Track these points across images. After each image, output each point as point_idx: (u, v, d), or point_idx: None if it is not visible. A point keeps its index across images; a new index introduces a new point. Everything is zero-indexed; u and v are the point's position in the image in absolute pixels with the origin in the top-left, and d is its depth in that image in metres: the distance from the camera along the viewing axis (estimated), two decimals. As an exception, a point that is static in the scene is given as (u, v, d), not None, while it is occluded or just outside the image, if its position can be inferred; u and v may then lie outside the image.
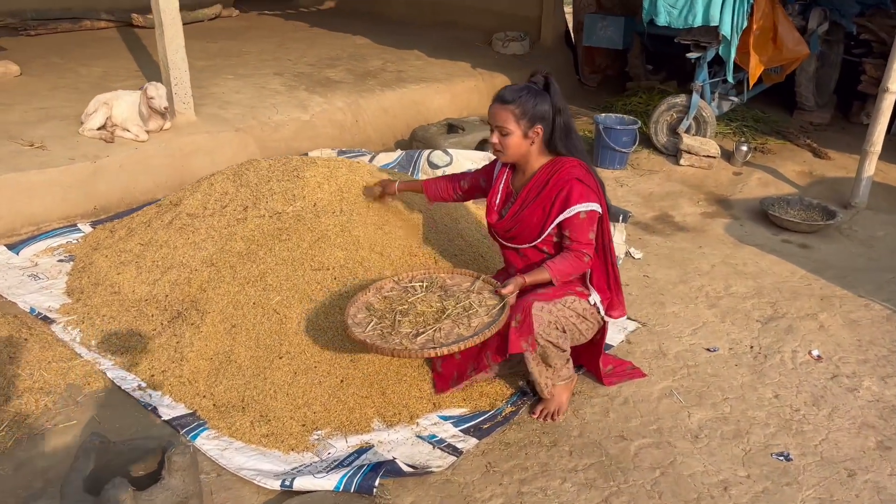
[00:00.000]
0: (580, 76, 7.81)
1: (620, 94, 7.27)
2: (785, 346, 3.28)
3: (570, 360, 2.79)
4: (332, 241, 3.26)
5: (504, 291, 2.61)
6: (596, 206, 2.64)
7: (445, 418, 2.81)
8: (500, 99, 2.64)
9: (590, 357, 2.99)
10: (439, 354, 2.42)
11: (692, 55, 5.31)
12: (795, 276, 3.95)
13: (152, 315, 3.22)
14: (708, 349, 3.26)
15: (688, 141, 5.42)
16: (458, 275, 2.89)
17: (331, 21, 8.85)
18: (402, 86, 6.28)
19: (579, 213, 2.61)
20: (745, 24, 5.04)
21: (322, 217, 3.37)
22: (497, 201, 2.85)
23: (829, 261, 4.15)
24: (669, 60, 7.46)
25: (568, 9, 8.18)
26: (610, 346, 3.24)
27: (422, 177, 4.66)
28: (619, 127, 5.36)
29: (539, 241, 2.71)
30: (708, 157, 5.39)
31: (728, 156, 5.62)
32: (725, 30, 4.98)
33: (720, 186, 5.28)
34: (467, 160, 4.76)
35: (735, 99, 5.91)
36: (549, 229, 2.67)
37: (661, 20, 5.11)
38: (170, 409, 2.81)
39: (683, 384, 3.02)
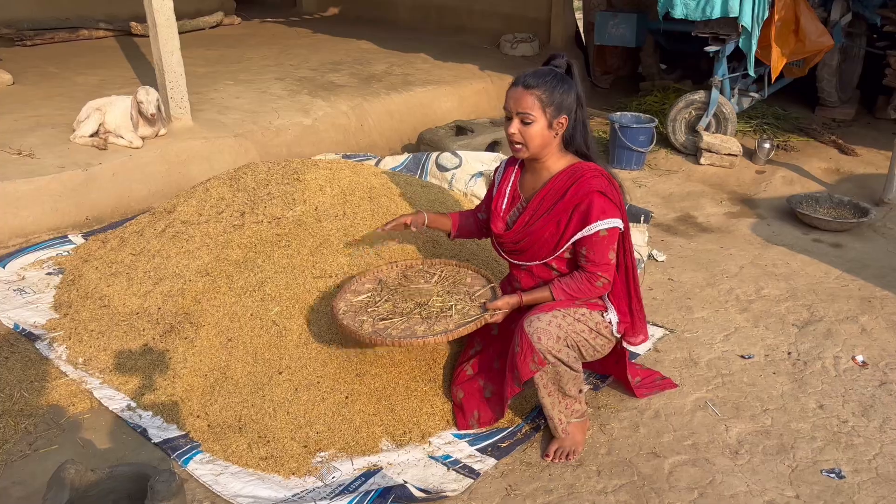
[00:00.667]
0: (591, 78, 7.59)
1: (634, 95, 7.04)
2: (826, 352, 3.02)
3: (583, 393, 2.54)
4: (334, 247, 3.04)
5: (490, 305, 2.43)
6: (618, 223, 2.37)
7: (460, 436, 2.58)
8: (523, 82, 2.33)
9: (617, 368, 2.74)
10: (384, 345, 2.38)
11: (711, 49, 5.07)
12: (830, 276, 3.70)
13: (143, 329, 3.00)
14: (742, 356, 3.01)
15: (708, 139, 5.18)
16: (473, 274, 2.71)
17: (334, 27, 8.67)
18: (409, 89, 6.07)
19: (599, 231, 2.34)
20: (766, 14, 4.80)
21: (324, 221, 3.15)
22: (503, 206, 2.56)
23: (865, 260, 3.89)
24: (684, 59, 7.24)
25: (578, 13, 7.97)
26: (636, 356, 3.00)
27: (430, 180, 4.43)
28: (635, 125, 5.12)
29: (551, 258, 2.46)
30: (729, 155, 5.15)
31: (750, 154, 5.37)
32: (746, 20, 4.75)
33: (743, 185, 5.04)
34: (477, 161, 4.53)
35: (755, 95, 5.67)
36: (565, 247, 2.41)
37: (678, 13, 4.89)
38: (161, 430, 2.58)
39: (718, 395, 2.77)
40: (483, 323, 2.41)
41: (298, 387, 2.65)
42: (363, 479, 2.37)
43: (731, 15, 4.75)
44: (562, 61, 2.41)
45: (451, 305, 2.50)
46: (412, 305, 2.55)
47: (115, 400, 2.72)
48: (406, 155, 4.78)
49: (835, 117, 6.31)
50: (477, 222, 2.76)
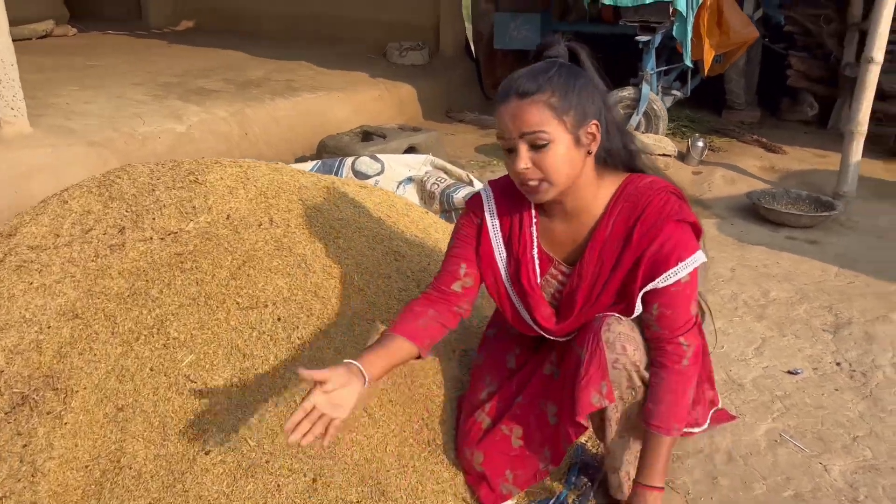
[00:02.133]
0: (483, 91, 7.07)
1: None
2: (879, 359, 2.52)
3: None
4: (265, 265, 2.19)
5: None
6: (702, 258, 1.64)
7: (489, 521, 1.79)
8: (517, 90, 1.53)
9: None
10: None
11: (641, 38, 4.64)
12: (829, 274, 3.25)
13: (-22, 404, 2.00)
14: (790, 372, 2.45)
15: (641, 139, 4.71)
16: None
17: (192, 38, 7.65)
18: (296, 94, 5.24)
19: (681, 279, 1.60)
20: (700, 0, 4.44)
21: (244, 232, 2.29)
22: (536, 278, 1.76)
23: (850, 255, 3.50)
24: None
25: (467, 21, 7.46)
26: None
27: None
28: (566, 124, 4.56)
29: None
30: (664, 155, 4.72)
31: (681, 155, 4.98)
32: (681, 5, 4.35)
33: (685, 187, 4.60)
34: (402, 166, 3.79)
35: (678, 93, 5.32)
36: (635, 311, 1.67)
37: (608, -2, 4.42)
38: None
39: (788, 423, 2.17)
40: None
41: (238, 472, 1.77)
42: None
43: (666, -1, 4.34)
44: (560, 48, 1.63)
45: None
46: None
47: (-64, 521, 1.72)
48: (313, 162, 3.95)
49: (742, 120, 6.11)
50: (451, 319, 1.81)
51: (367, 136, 4.60)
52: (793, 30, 5.97)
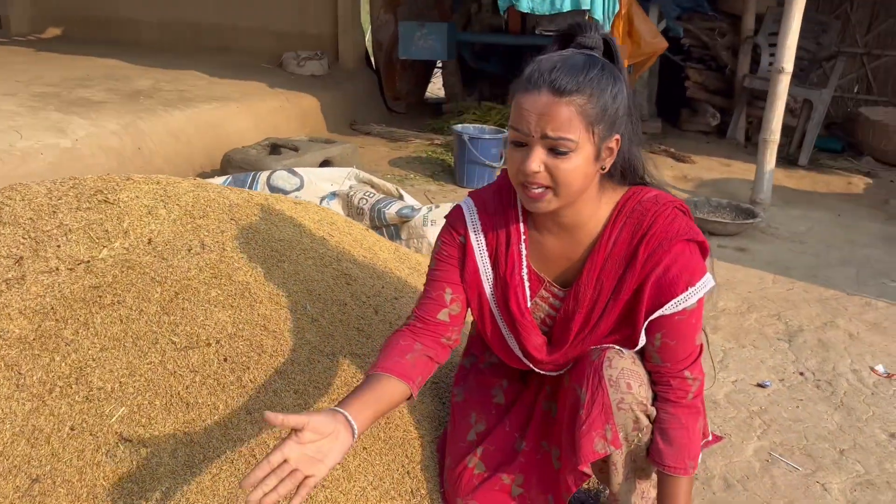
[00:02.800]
0: (385, 102, 6.86)
1: (436, 118, 6.42)
2: (839, 367, 2.50)
3: None
4: (202, 296, 1.88)
5: None
6: (710, 282, 1.45)
7: (489, 579, 1.57)
8: (551, 83, 1.31)
9: None
10: None
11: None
12: (767, 281, 3.26)
13: None
14: (759, 385, 2.37)
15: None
16: None
17: (62, 46, 7.01)
18: (191, 105, 4.83)
19: (686, 307, 1.43)
20: (617, 7, 4.42)
21: (171, 259, 1.97)
22: (526, 301, 1.57)
23: (781, 262, 3.54)
24: (483, 79, 6.80)
25: (367, 32, 7.24)
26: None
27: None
28: (487, 137, 4.43)
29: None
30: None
31: (596, 165, 4.95)
32: (598, 14, 4.32)
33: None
34: (324, 181, 3.51)
35: (589, 103, 5.30)
36: (639, 344, 1.49)
37: (524, 6, 4.33)
38: None
39: (774, 440, 2.09)
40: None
41: (194, 547, 1.47)
42: None
43: (583, 7, 4.29)
44: (595, 36, 1.41)
45: None
46: None
47: None
48: (220, 178, 3.60)
49: (645, 131, 6.21)
50: (440, 352, 1.59)
51: (275, 148, 4.29)
52: (690, 42, 6.13)
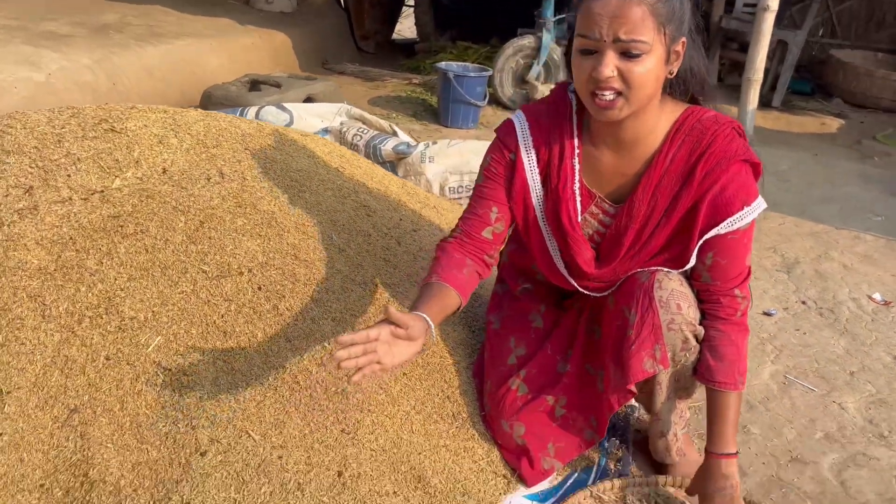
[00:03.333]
0: (355, 41, 6.70)
1: (409, 58, 6.31)
2: (839, 295, 2.59)
3: None
4: (228, 225, 1.84)
5: None
6: (763, 204, 1.49)
7: (535, 498, 1.61)
8: None
9: None
10: None
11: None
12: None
13: None
14: (766, 313, 2.44)
15: (543, 89, 4.62)
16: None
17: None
18: (164, 41, 4.64)
19: (741, 227, 1.45)
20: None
21: (191, 188, 1.92)
22: (577, 215, 1.56)
23: (769, 199, 3.51)
24: (458, 19, 6.69)
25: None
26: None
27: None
28: (472, 75, 4.37)
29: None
30: (565, 105, 4.64)
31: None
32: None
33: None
34: (314, 116, 3.43)
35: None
36: (689, 264, 1.51)
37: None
38: None
39: (788, 364, 2.17)
40: None
41: (246, 472, 1.46)
42: None
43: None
44: None
45: None
46: None
47: None
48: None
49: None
50: (485, 269, 1.61)
51: (255, 85, 4.16)
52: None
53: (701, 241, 1.47)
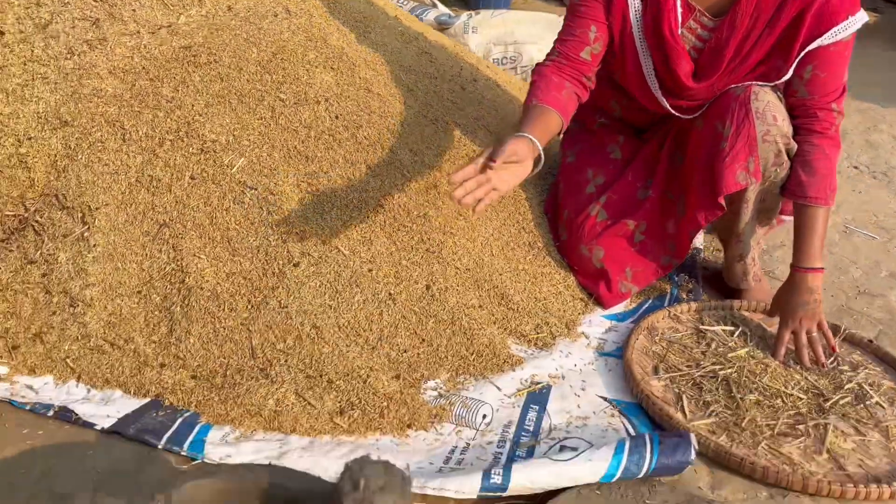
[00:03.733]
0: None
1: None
2: (891, 161, 2.61)
3: None
4: (300, 57, 1.82)
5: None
6: (865, 16, 1.46)
7: (613, 318, 1.65)
8: None
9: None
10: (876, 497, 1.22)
11: None
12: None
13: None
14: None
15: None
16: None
17: None
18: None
19: (843, 39, 1.43)
20: None
21: (259, 22, 1.89)
22: (677, 26, 1.52)
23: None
24: None
25: None
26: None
27: None
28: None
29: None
30: None
31: None
32: None
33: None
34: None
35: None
36: (786, 76, 1.49)
37: None
38: (96, 405, 1.29)
39: (846, 217, 2.18)
40: None
41: (339, 283, 1.50)
42: (531, 408, 1.36)
43: None
44: None
45: (860, 384, 1.45)
46: (801, 396, 1.41)
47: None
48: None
49: None
50: (583, 91, 1.58)
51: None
52: None
53: (802, 54, 1.45)
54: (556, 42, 1.60)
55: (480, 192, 1.25)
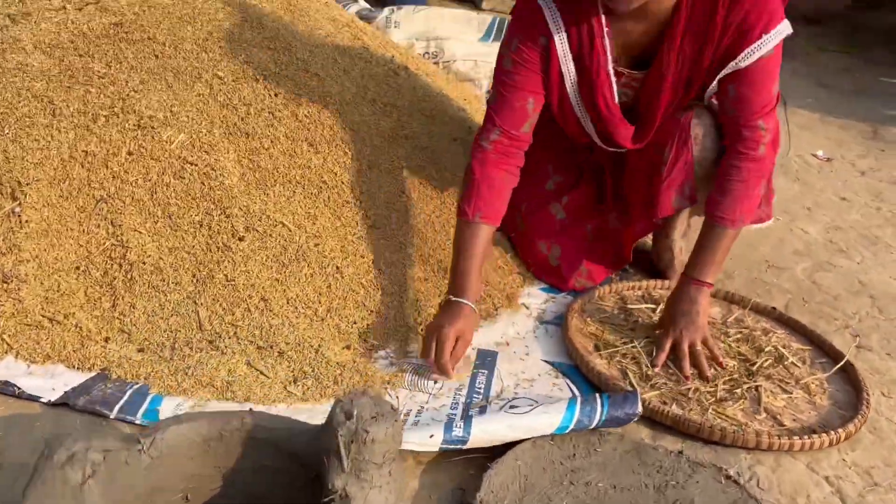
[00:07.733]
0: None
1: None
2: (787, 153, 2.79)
3: None
4: (237, 37, 1.82)
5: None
6: (788, 29, 1.40)
7: (549, 290, 1.72)
8: None
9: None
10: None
11: None
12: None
13: None
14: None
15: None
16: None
17: None
18: None
19: (763, 55, 1.39)
20: None
21: (191, 1, 1.87)
22: (613, 97, 1.53)
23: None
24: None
25: None
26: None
27: None
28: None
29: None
30: None
31: None
32: None
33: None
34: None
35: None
36: (707, 92, 1.51)
37: None
38: (50, 378, 1.26)
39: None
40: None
41: (285, 257, 1.50)
42: (480, 372, 1.41)
43: None
44: None
45: (776, 347, 1.56)
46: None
47: None
48: None
49: None
50: (517, 177, 1.55)
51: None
52: None
53: (722, 74, 1.44)
54: (492, 112, 1.52)
55: (454, 365, 1.39)
